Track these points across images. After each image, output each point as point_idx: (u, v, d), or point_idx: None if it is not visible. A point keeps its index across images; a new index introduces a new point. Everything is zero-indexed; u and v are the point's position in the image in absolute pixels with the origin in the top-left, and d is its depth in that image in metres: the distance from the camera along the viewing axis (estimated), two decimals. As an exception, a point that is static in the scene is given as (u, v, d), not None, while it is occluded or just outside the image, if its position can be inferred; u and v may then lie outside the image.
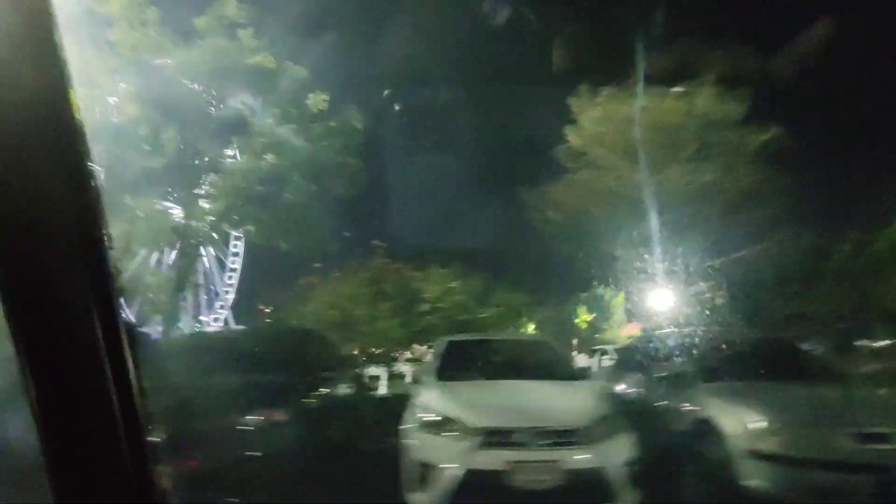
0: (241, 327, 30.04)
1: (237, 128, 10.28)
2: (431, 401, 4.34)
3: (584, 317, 40.43)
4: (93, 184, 0.78)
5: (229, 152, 10.58)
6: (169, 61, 9.07)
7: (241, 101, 10.24)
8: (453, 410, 4.08)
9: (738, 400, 4.34)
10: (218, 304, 46.89)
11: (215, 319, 46.22)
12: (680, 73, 12.77)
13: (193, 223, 10.51)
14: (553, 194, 14.81)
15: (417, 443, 4.00)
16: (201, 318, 43.75)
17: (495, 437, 3.82)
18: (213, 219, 10.83)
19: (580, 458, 3.73)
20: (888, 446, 3.68)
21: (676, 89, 12.77)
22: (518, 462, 3.69)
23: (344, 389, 6.51)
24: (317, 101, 10.83)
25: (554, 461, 3.69)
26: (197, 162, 10.20)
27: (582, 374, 4.99)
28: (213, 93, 9.74)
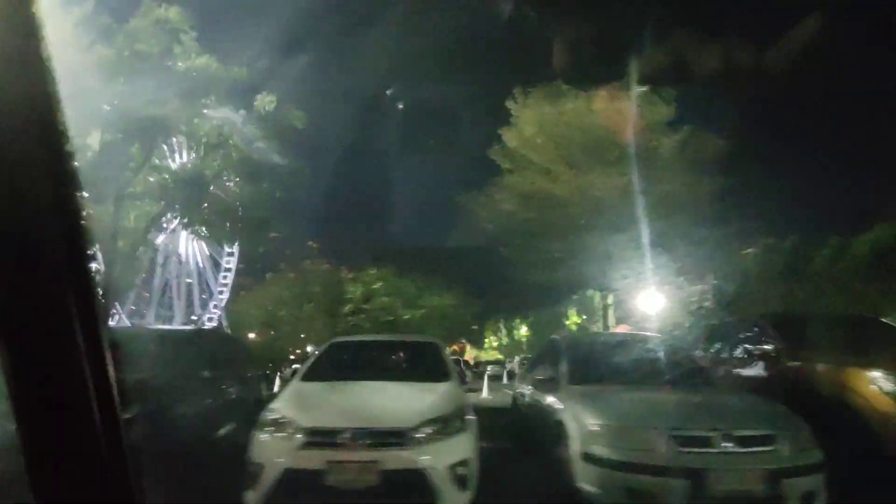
0: (156, 326, 29.78)
1: (170, 129, 10.34)
2: (278, 400, 4.38)
3: (574, 318, 40.43)
4: (74, 185, 0.79)
5: (163, 153, 10.63)
6: (95, 60, 9.12)
7: (177, 103, 10.30)
8: (289, 410, 4.12)
9: (586, 403, 4.33)
10: (212, 303, 47.51)
11: (209, 318, 46.84)
12: (619, 75, 12.67)
13: (128, 225, 10.57)
14: (489, 196, 14.77)
15: (255, 441, 4.03)
16: (193, 316, 44.25)
17: (318, 437, 3.84)
18: (150, 220, 10.88)
19: (401, 458, 3.73)
20: (702, 449, 3.66)
21: (615, 90, 12.66)
22: (336, 462, 3.71)
23: (241, 391, 6.54)
24: (264, 102, 10.93)
25: (372, 461, 3.70)
26: (129, 164, 10.25)
27: (448, 376, 4.97)
28: (146, 95, 9.81)
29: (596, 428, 3.95)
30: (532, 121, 12.72)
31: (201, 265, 43.76)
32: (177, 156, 10.43)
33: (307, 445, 3.81)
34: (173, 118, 9.66)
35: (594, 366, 5.27)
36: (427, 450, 3.81)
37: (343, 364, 5.34)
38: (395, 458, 3.73)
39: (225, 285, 46.64)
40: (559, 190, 13.37)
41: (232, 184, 10.90)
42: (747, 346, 6.19)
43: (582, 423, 4.10)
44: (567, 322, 38.87)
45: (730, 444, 3.66)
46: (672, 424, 3.81)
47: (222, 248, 48.52)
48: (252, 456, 3.96)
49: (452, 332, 19.94)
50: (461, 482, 3.90)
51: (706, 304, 28.45)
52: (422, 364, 5.21)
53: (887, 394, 4.42)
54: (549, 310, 41.95)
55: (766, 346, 5.85)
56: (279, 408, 4.19)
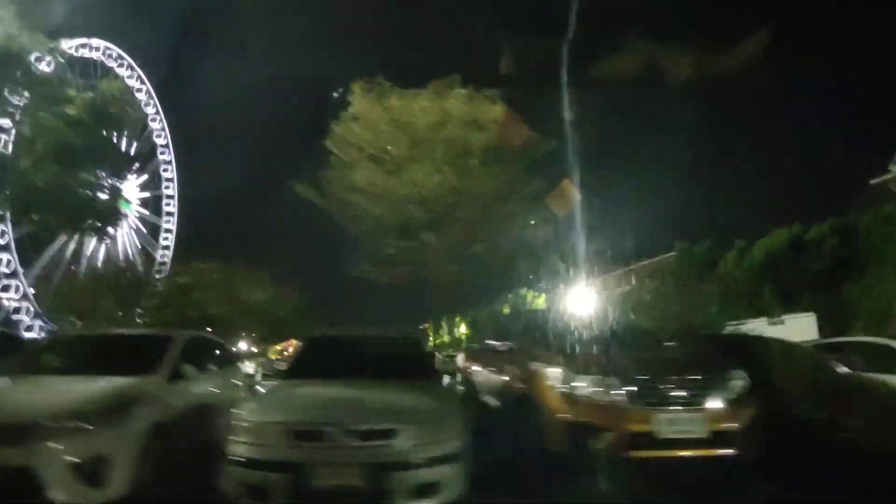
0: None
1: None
2: None
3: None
4: None
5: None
6: None
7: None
8: None
9: (255, 398, 4.33)
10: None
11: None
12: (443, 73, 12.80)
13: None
14: (322, 187, 14.64)
15: None
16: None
17: None
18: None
19: (8, 455, 3.62)
20: (315, 443, 3.67)
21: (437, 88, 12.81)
22: None
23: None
24: (111, 87, 10.50)
25: None
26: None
27: (155, 371, 4.85)
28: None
29: (235, 423, 3.93)
30: (364, 114, 12.71)
31: (132, 258, 42.22)
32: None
33: None
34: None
35: (318, 361, 5.25)
36: (45, 446, 3.69)
37: (58, 358, 5.18)
38: (3, 456, 3.61)
39: (159, 280, 45.22)
40: (392, 185, 13.38)
41: (42, 169, 10.30)
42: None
43: (233, 419, 4.08)
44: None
45: (344, 439, 3.67)
46: (296, 419, 3.81)
47: (157, 241, 47.15)
48: None
49: (272, 327, 19.52)
50: (94, 480, 3.82)
51: (628, 304, 29.46)
52: (133, 358, 5.08)
53: (555, 390, 4.56)
54: (488, 308, 42.50)
55: (512, 345, 5.99)
56: None
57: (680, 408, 4.24)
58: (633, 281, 36.64)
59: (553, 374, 4.62)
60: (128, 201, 42.19)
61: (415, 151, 12.81)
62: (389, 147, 12.96)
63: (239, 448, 3.78)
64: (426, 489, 3.68)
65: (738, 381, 4.56)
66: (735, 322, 20.07)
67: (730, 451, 4.18)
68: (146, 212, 45.17)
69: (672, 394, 4.30)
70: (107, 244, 40.46)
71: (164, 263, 44.92)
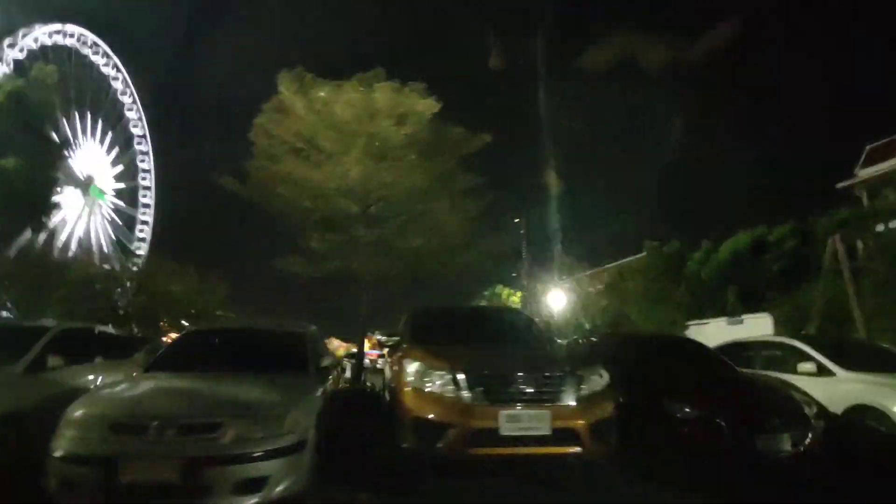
0: None
1: None
2: None
3: (483, 313, 41.07)
4: None
5: None
6: None
7: None
8: None
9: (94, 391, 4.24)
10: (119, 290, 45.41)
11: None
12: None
13: None
14: (249, 179, 14.45)
15: None
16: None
17: None
18: None
19: None
20: (131, 437, 3.58)
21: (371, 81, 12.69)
22: None
23: None
24: (43, 72, 10.23)
25: None
26: None
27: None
28: None
29: (62, 417, 3.84)
30: (288, 106, 12.61)
31: (106, 250, 41.67)
32: None
33: None
34: None
35: (186, 354, 5.17)
36: None
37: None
38: None
39: (135, 272, 44.69)
40: (319, 177, 13.23)
41: None
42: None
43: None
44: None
45: (163, 433, 3.59)
46: (115, 412, 3.74)
47: (133, 232, 46.54)
48: None
49: (193, 319, 19.11)
50: None
51: (603, 302, 29.60)
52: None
53: (410, 386, 4.50)
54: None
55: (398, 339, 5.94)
56: None
57: (525, 405, 4.20)
58: (606, 280, 36.87)
59: (410, 369, 4.56)
60: (102, 192, 41.71)
61: (339, 144, 12.66)
62: (314, 138, 12.79)
63: (59, 441, 3.69)
64: (252, 484, 3.60)
65: (595, 379, 4.53)
66: (696, 322, 20.22)
67: (574, 449, 4.15)
68: (122, 203, 44.52)
69: (520, 391, 4.27)
70: (80, 236, 39.99)
71: (139, 256, 44.37)
